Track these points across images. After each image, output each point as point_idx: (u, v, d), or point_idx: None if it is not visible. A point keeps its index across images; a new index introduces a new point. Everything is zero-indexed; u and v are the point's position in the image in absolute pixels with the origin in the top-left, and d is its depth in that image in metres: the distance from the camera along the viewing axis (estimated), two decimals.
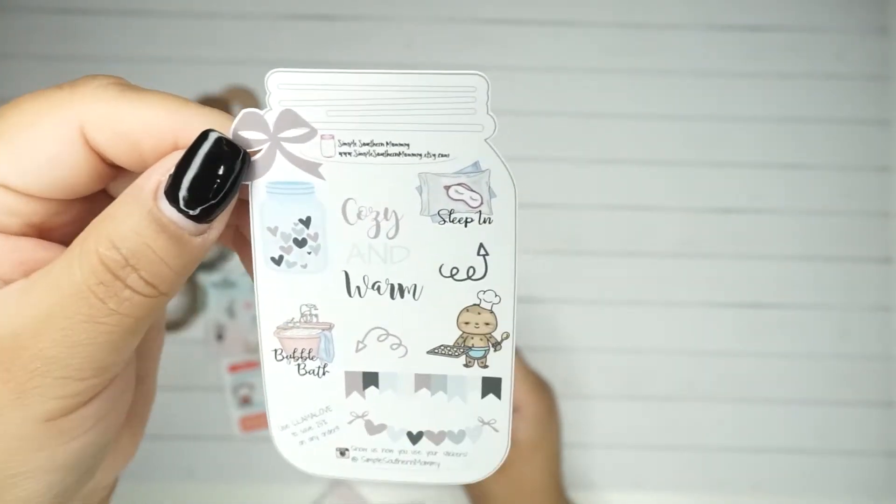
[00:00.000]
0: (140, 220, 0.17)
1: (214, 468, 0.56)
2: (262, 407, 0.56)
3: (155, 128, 0.18)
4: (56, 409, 0.17)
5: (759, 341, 0.57)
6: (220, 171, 0.17)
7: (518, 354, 0.47)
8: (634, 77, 0.58)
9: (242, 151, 0.18)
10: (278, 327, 0.20)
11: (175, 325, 0.56)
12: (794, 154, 0.58)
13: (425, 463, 0.21)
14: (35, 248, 0.18)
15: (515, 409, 0.45)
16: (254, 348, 0.56)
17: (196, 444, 0.56)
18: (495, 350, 0.20)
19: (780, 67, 0.58)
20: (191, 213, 0.17)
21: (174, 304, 0.57)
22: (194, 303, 0.56)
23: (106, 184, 0.19)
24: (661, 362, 0.57)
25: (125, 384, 0.20)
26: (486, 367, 0.21)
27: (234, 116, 0.19)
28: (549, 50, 0.58)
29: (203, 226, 0.18)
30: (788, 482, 0.56)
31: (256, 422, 0.56)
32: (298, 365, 0.21)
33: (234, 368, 0.56)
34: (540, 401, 0.45)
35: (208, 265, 0.56)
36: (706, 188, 0.58)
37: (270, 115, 0.18)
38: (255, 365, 0.56)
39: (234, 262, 0.57)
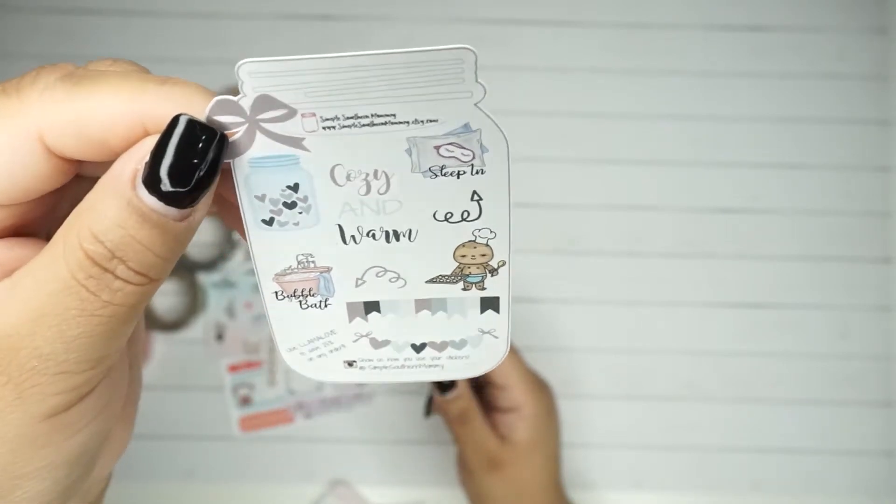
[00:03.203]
0: (120, 210, 0.16)
1: (214, 468, 0.56)
2: (262, 407, 0.56)
3: (118, 121, 0.17)
4: (56, 405, 0.17)
5: (759, 341, 0.57)
6: (198, 155, 0.17)
7: (517, 354, 0.47)
8: (634, 77, 0.58)
9: (219, 133, 0.17)
10: (276, 274, 0.20)
11: (175, 325, 0.56)
12: (794, 154, 0.58)
13: (430, 366, 0.22)
14: (11, 247, 0.18)
15: (515, 409, 0.45)
16: (253, 349, 0.56)
17: (196, 444, 0.56)
18: (492, 276, 0.21)
19: (780, 67, 0.58)
20: (172, 199, 0.16)
21: (174, 304, 0.57)
22: (194, 303, 0.56)
23: (76, 172, 0.19)
24: (661, 362, 0.57)
25: (121, 372, 0.20)
26: (483, 289, 0.21)
27: (203, 88, 0.18)
28: (549, 50, 0.58)
29: (186, 210, 0.17)
30: (788, 482, 0.56)
31: (256, 422, 0.56)
32: (300, 301, 0.21)
33: (234, 368, 0.56)
34: (539, 400, 0.45)
35: (208, 265, 0.56)
36: (706, 188, 0.58)
37: (245, 101, 0.17)
38: (255, 365, 0.56)
39: (235, 262, 0.57)
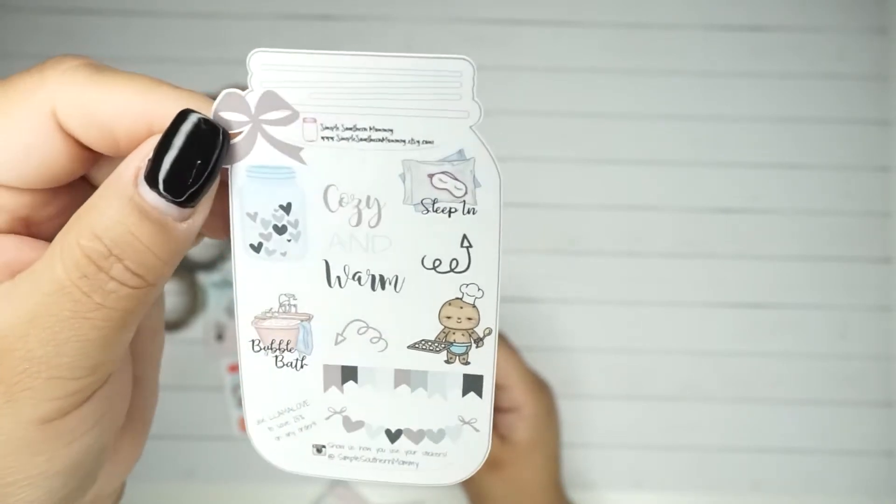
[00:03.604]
0: (121, 208, 0.16)
1: (214, 468, 0.56)
2: None
3: (127, 112, 0.17)
4: (50, 410, 0.17)
5: (759, 341, 0.57)
6: (201, 153, 0.17)
7: (517, 354, 0.47)
8: (634, 77, 0.58)
9: (222, 131, 0.17)
10: (256, 317, 0.20)
11: (175, 325, 0.56)
12: (794, 154, 0.58)
13: (403, 462, 0.21)
14: (20, 248, 0.18)
15: (515, 409, 0.45)
16: None
17: (196, 444, 0.56)
18: (477, 346, 0.20)
19: (780, 67, 0.58)
20: (173, 197, 0.17)
21: (174, 304, 0.57)
22: (194, 303, 0.56)
23: (87, 169, 0.19)
24: (661, 362, 0.57)
25: (122, 384, 0.20)
26: (467, 363, 0.20)
27: (211, 99, 0.18)
28: (549, 50, 0.58)
29: (187, 210, 0.17)
30: (788, 482, 0.56)
31: None
32: (276, 357, 0.20)
33: (234, 368, 0.56)
34: (539, 401, 0.45)
35: (208, 265, 0.56)
36: (706, 188, 0.58)
37: (252, 97, 0.18)
38: None
39: None
